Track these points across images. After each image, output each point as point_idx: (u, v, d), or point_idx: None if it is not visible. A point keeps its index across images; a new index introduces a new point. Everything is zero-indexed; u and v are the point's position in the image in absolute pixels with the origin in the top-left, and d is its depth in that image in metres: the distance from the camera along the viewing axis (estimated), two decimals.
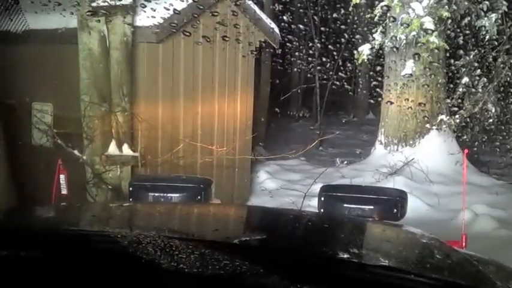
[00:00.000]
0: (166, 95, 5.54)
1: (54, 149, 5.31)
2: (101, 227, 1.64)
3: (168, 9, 5.14)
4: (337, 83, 12.97)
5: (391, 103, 7.94)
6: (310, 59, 13.60)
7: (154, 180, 2.82)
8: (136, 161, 4.81)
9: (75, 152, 4.66)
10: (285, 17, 11.64)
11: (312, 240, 1.71)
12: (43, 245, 1.32)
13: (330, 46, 12.65)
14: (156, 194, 2.51)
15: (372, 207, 2.47)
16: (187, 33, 4.94)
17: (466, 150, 4.49)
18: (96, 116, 4.60)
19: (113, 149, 4.68)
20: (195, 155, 5.72)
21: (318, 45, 12.95)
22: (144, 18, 5.04)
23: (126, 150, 4.77)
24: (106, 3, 4.47)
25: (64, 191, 3.88)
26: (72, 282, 1.17)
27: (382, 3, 6.02)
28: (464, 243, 3.37)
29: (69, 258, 1.25)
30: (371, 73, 12.07)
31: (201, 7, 5.44)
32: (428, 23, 5.04)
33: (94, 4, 4.43)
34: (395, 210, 2.48)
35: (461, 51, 6.80)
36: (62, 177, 3.88)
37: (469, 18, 5.72)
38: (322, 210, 2.53)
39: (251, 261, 1.23)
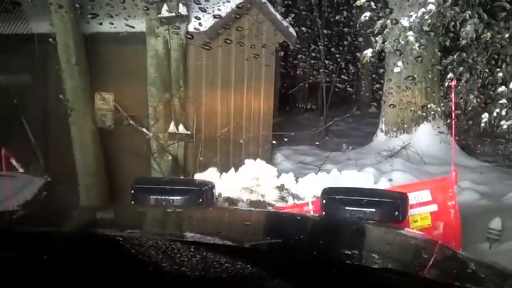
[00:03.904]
0: (208, 87, 6.98)
1: (114, 131, 6.77)
2: (103, 230, 1.66)
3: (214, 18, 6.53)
4: (340, 85, 14.39)
5: (394, 106, 9.41)
6: (316, 54, 14.99)
7: (156, 183, 2.94)
8: (189, 138, 6.26)
9: (144, 130, 6.10)
10: (292, 18, 12.97)
11: (314, 243, 1.73)
12: (45, 247, 1.35)
13: (335, 45, 14.02)
14: (158, 197, 2.57)
15: (373, 209, 2.50)
16: (229, 41, 6.33)
17: (453, 82, 4.86)
18: (160, 102, 6.04)
19: (172, 127, 6.12)
20: (230, 134, 7.18)
21: (322, 47, 14.33)
22: (193, 26, 6.46)
23: (182, 129, 6.21)
24: (169, 14, 5.90)
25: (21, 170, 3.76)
26: (74, 284, 1.18)
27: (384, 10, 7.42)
28: (455, 179, 3.94)
29: (70, 260, 1.27)
30: (373, 76, 13.53)
31: (237, 15, 6.87)
32: (411, 37, 6.47)
33: (160, 15, 5.85)
34: (396, 212, 2.51)
35: (451, 52, 8.24)
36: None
37: (453, 23, 7.11)
38: (324, 213, 2.56)
39: (253, 264, 1.25)
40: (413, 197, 3.50)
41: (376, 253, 1.73)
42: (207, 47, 6.20)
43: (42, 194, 7.89)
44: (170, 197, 2.54)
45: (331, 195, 2.62)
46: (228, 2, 6.82)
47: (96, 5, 6.06)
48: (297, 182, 5.03)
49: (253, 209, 4.37)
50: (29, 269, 1.23)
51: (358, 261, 1.57)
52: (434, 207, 3.86)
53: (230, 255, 1.28)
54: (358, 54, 8.38)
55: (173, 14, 5.92)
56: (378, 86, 11.62)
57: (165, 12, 5.89)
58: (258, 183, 4.84)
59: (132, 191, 2.60)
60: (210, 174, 5.00)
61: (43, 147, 7.95)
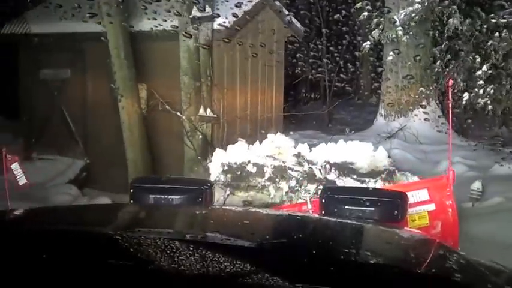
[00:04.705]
0: (229, 76, 8.19)
1: (152, 115, 7.99)
2: (102, 229, 1.67)
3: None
4: (343, 76, 15.66)
5: (392, 104, 10.71)
6: (316, 52, 16.26)
7: (155, 182, 2.99)
8: (215, 120, 7.48)
9: (178, 113, 7.32)
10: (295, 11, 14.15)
11: (313, 242, 1.77)
12: (43, 245, 1.38)
13: (336, 40, 15.25)
14: (157, 196, 2.60)
15: (372, 209, 2.53)
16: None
17: (450, 82, 4.95)
18: (192, 89, 7.27)
19: (201, 111, 7.34)
20: (247, 116, 8.42)
21: (324, 42, 15.57)
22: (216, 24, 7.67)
23: (209, 112, 7.43)
24: (197, 15, 7.12)
25: (23, 181, 3.46)
26: (73, 283, 1.21)
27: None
28: (452, 179, 3.98)
29: (69, 259, 1.31)
30: (373, 74, 14.84)
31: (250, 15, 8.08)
32: (400, 31, 7.74)
33: (191, 16, 7.07)
34: (395, 212, 2.55)
35: (439, 42, 9.52)
36: (14, 166, 3.43)
37: (440, 18, 8.37)
38: (323, 213, 2.59)
39: (252, 263, 1.29)
40: (411, 196, 3.52)
41: (376, 252, 1.76)
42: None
43: (83, 174, 9.14)
44: (169, 196, 2.58)
45: (330, 194, 2.66)
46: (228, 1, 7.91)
47: (137, 7, 7.28)
48: (311, 150, 6.24)
49: (251, 209, 4.26)
50: (28, 267, 1.25)
51: (358, 260, 1.59)
52: (432, 207, 3.93)
53: (229, 254, 1.31)
54: (357, 47, 9.58)
55: (201, 14, 7.12)
56: (377, 75, 12.97)
57: (195, 13, 7.10)
58: (279, 152, 6.05)
59: (132, 190, 2.63)
60: (239, 146, 6.20)
61: (82, 134, 9.17)
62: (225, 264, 1.28)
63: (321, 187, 5.84)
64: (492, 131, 11.72)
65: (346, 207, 2.52)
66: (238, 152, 6.05)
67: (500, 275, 1.63)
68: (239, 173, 5.87)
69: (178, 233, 1.78)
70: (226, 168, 5.89)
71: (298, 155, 6.09)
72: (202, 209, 2.41)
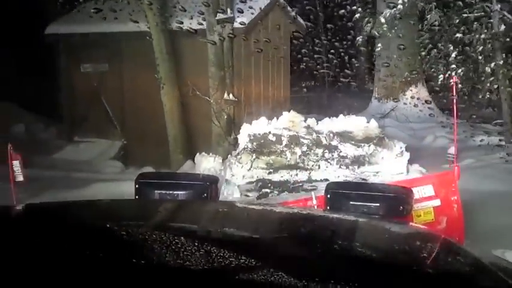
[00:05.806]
0: (245, 66, 9.95)
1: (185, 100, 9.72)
2: (107, 224, 1.67)
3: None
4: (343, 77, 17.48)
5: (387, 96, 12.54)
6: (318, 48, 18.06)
7: (160, 177, 2.99)
8: (236, 103, 9.25)
9: (207, 98, 9.09)
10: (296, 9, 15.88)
11: (318, 237, 1.81)
12: (47, 241, 1.40)
13: (334, 30, 17.01)
14: (162, 192, 2.65)
15: (377, 204, 2.55)
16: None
17: (454, 78, 5.19)
18: (218, 77, 9.04)
19: (226, 95, 9.11)
20: (261, 99, 10.20)
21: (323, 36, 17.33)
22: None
23: (231, 96, 9.20)
24: (221, 16, 8.88)
25: (20, 178, 3.75)
26: (76, 279, 1.23)
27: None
28: (457, 174, 4.10)
29: (74, 254, 1.33)
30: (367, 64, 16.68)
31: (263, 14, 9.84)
32: (385, 27, 9.60)
33: (217, 18, 8.84)
34: (401, 207, 2.58)
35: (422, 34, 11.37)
36: (15, 163, 3.71)
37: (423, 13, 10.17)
38: (328, 208, 2.64)
39: (257, 258, 1.32)
40: (416, 192, 3.54)
41: (381, 247, 1.78)
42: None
43: (121, 152, 10.90)
44: (174, 192, 2.64)
45: (335, 189, 2.69)
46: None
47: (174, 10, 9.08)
48: (317, 123, 8.03)
49: (256, 204, 4.52)
50: (32, 262, 1.28)
51: (362, 255, 1.63)
52: (437, 202, 4.01)
53: (234, 250, 1.34)
54: (354, 43, 11.45)
55: (224, 15, 8.88)
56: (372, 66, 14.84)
57: (219, 14, 8.86)
58: (293, 125, 7.83)
59: (136, 186, 2.68)
60: (261, 122, 7.97)
61: (120, 119, 10.90)
62: (230, 259, 1.31)
63: (326, 151, 7.67)
64: (479, 111, 13.48)
65: (351, 202, 2.56)
66: (261, 126, 7.82)
67: (505, 270, 1.62)
68: (262, 141, 7.64)
69: (183, 229, 1.83)
70: (252, 138, 7.66)
71: (308, 127, 7.87)
72: (208, 204, 2.49)
